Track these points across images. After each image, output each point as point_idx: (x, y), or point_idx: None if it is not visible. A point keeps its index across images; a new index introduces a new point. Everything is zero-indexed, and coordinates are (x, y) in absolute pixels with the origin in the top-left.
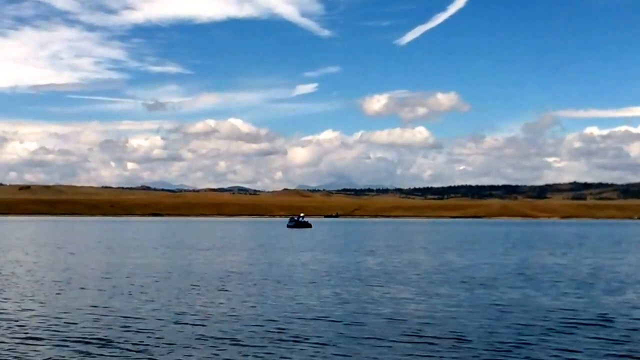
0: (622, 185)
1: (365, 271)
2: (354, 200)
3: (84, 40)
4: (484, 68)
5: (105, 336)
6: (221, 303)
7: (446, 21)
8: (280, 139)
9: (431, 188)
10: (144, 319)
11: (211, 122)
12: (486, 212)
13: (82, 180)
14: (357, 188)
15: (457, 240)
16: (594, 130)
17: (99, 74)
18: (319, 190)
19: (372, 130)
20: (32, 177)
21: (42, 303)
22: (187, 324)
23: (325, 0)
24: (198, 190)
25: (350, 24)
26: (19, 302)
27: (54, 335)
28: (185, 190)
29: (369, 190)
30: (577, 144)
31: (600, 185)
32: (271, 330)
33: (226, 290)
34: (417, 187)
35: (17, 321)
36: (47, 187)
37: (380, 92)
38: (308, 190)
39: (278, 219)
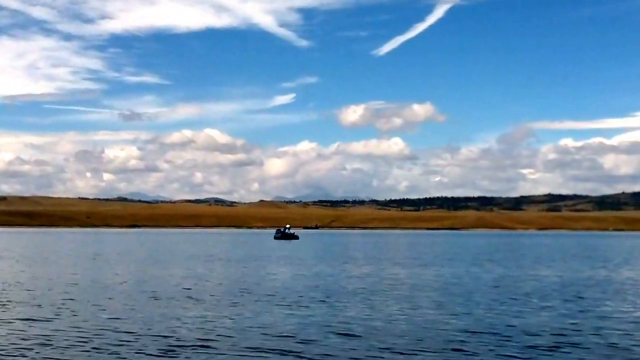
0: (597, 197)
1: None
2: (331, 212)
3: (61, 50)
4: (459, 79)
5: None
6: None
7: (424, 32)
8: (257, 149)
9: (407, 199)
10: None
11: (188, 133)
12: (462, 224)
13: (59, 191)
14: (333, 199)
15: (469, 252)
16: (568, 142)
17: (76, 84)
18: (295, 202)
19: (348, 141)
20: (7, 188)
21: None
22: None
23: (303, 10)
24: (175, 202)
25: (328, 35)
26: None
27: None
28: (161, 202)
29: (345, 201)
30: (552, 156)
31: (575, 196)
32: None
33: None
34: (393, 198)
35: None
36: (23, 198)
37: (356, 103)
38: (284, 201)
39: (256, 230)
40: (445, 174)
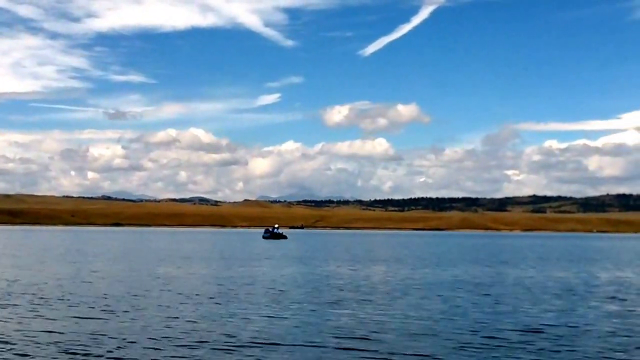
0: (581, 198)
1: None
2: (315, 212)
3: (47, 48)
4: (445, 80)
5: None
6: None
7: (409, 33)
8: (241, 149)
9: (391, 200)
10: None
11: (172, 132)
12: (447, 225)
13: (43, 189)
14: (318, 199)
15: (472, 252)
16: (553, 144)
17: (62, 83)
18: (279, 201)
19: (333, 141)
20: None
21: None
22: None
23: (289, 10)
24: (159, 201)
25: (313, 35)
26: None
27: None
28: (146, 200)
29: (330, 201)
30: (536, 157)
31: (559, 198)
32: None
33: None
34: (377, 198)
35: None
36: (8, 196)
37: (341, 103)
38: (269, 201)
39: (241, 229)
40: (430, 175)
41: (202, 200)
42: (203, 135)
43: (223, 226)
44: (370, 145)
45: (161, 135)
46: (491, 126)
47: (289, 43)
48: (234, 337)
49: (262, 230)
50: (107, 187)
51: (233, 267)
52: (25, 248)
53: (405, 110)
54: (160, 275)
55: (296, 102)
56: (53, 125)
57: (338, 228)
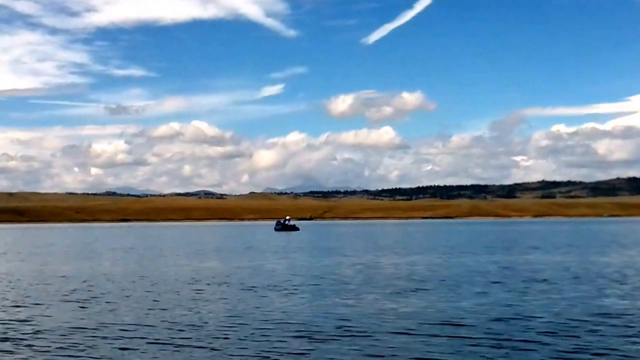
0: (591, 182)
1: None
2: (322, 203)
3: (46, 44)
4: (449, 66)
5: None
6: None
7: (413, 19)
8: (246, 141)
9: (399, 189)
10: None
11: (175, 125)
12: (457, 213)
13: (46, 186)
14: (325, 190)
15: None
16: (561, 128)
17: (62, 78)
18: (285, 193)
19: (338, 131)
20: None
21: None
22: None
23: None
24: (164, 195)
25: (315, 24)
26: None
27: None
28: (151, 195)
29: (337, 192)
30: (544, 142)
31: (569, 183)
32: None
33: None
34: (384, 188)
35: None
36: (11, 195)
37: (346, 93)
38: (275, 193)
39: (249, 222)
40: (437, 163)
41: (208, 194)
42: (206, 128)
43: (230, 219)
44: (376, 134)
45: (164, 129)
46: (498, 112)
47: (291, 33)
48: (327, 326)
49: (271, 222)
50: (111, 182)
51: (271, 260)
52: (54, 246)
53: (411, 98)
54: (212, 268)
55: (300, 93)
56: (54, 122)
57: (346, 218)
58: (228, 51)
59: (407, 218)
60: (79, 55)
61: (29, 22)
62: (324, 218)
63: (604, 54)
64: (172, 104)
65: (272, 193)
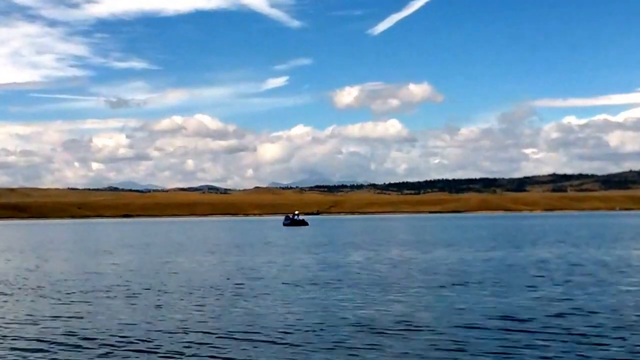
0: (603, 175)
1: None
2: (329, 197)
3: (46, 36)
4: (457, 57)
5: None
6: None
7: (420, 9)
8: (250, 135)
9: (407, 183)
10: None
11: (178, 119)
12: (465, 207)
13: (47, 182)
14: (331, 184)
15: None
16: (572, 120)
17: (62, 71)
18: (291, 188)
19: (344, 124)
20: None
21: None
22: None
23: None
24: (167, 190)
25: (321, 14)
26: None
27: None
28: (153, 190)
29: (343, 186)
30: (555, 134)
31: (580, 176)
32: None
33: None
34: (392, 182)
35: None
36: (12, 190)
37: (352, 84)
38: (280, 187)
39: (253, 217)
40: (445, 156)
41: (211, 189)
42: (209, 121)
43: (235, 215)
44: (383, 127)
45: (166, 123)
46: (507, 103)
47: (296, 24)
48: (388, 321)
49: (277, 217)
50: (113, 177)
51: (297, 255)
52: (68, 242)
53: (418, 90)
54: (241, 264)
55: (305, 85)
56: (54, 116)
57: (353, 213)
58: (231, 43)
59: (415, 212)
60: (78, 48)
61: (27, 14)
62: (330, 213)
63: (615, 43)
64: (174, 97)
65: (277, 187)
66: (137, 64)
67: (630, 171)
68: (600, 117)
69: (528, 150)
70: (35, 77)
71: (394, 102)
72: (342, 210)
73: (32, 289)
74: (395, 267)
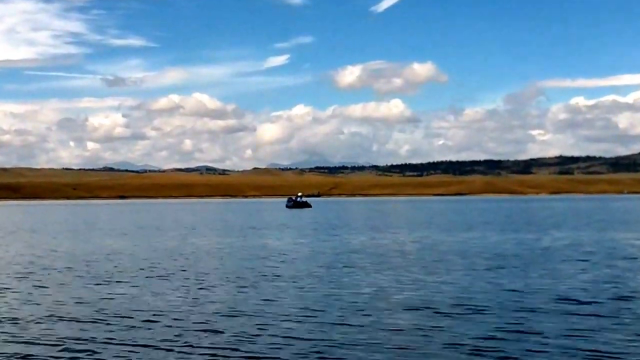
0: (611, 158)
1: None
2: (329, 179)
3: (41, 13)
4: (463, 36)
5: None
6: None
7: None
8: (249, 115)
9: (409, 164)
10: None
11: (175, 98)
12: (469, 189)
13: (41, 161)
14: (331, 165)
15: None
16: (580, 101)
17: (58, 49)
18: (290, 169)
19: (345, 104)
20: None
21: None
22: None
23: None
24: (164, 171)
25: None
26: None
27: None
28: (150, 171)
29: (344, 167)
30: (562, 116)
31: (588, 158)
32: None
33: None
34: (394, 163)
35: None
36: (5, 170)
37: (354, 63)
38: (279, 168)
39: (253, 199)
40: (449, 137)
41: (209, 170)
42: (208, 100)
43: (233, 196)
44: (385, 107)
45: (163, 102)
46: (514, 84)
47: (297, 1)
48: (446, 303)
49: (276, 199)
50: (109, 157)
51: (321, 237)
52: (78, 224)
53: (422, 69)
54: (266, 246)
55: (306, 64)
56: (50, 94)
57: (353, 195)
58: (231, 20)
59: (417, 195)
60: (75, 25)
61: None
62: (330, 194)
63: (625, 22)
64: (172, 75)
65: (276, 169)
66: (134, 41)
67: (639, 154)
68: (609, 97)
69: (534, 132)
70: (30, 54)
71: (397, 82)
72: (343, 192)
73: (62, 271)
74: (425, 249)
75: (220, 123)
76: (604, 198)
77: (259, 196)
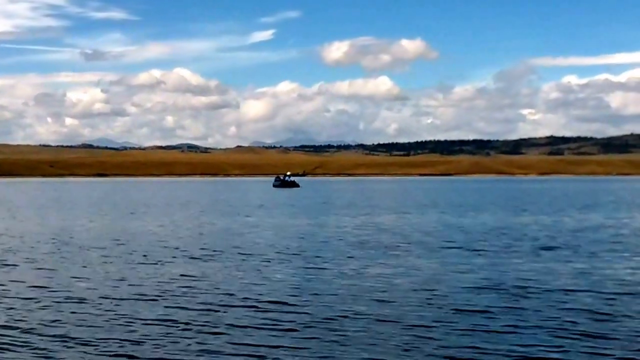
0: (603, 138)
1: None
2: (314, 158)
3: None
4: (453, 12)
5: None
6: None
7: None
8: (233, 91)
9: (396, 144)
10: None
11: (157, 73)
12: (457, 169)
13: (18, 138)
14: (317, 144)
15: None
16: (572, 80)
17: (36, 21)
18: (275, 147)
19: (332, 81)
20: None
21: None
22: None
23: None
24: (144, 148)
25: None
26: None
27: None
28: (130, 148)
29: (330, 146)
30: (554, 95)
31: (579, 139)
32: None
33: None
34: (381, 142)
35: None
36: None
37: (341, 39)
38: (263, 147)
39: (233, 178)
40: (438, 116)
41: (191, 147)
42: (190, 76)
43: (215, 175)
44: (373, 85)
45: (144, 77)
46: (504, 62)
47: None
48: (508, 285)
49: (259, 178)
50: (88, 134)
51: (333, 217)
52: (82, 202)
53: (411, 46)
54: (283, 226)
55: (292, 39)
56: (27, 68)
57: (339, 175)
58: None
59: (404, 175)
60: None
61: None
62: (315, 174)
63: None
64: (154, 49)
65: (260, 147)
66: (115, 14)
67: (632, 134)
68: (601, 76)
69: (525, 111)
70: (7, 26)
71: (386, 59)
72: (328, 171)
73: (103, 248)
74: (450, 230)
75: (203, 99)
76: (592, 180)
77: (242, 175)
